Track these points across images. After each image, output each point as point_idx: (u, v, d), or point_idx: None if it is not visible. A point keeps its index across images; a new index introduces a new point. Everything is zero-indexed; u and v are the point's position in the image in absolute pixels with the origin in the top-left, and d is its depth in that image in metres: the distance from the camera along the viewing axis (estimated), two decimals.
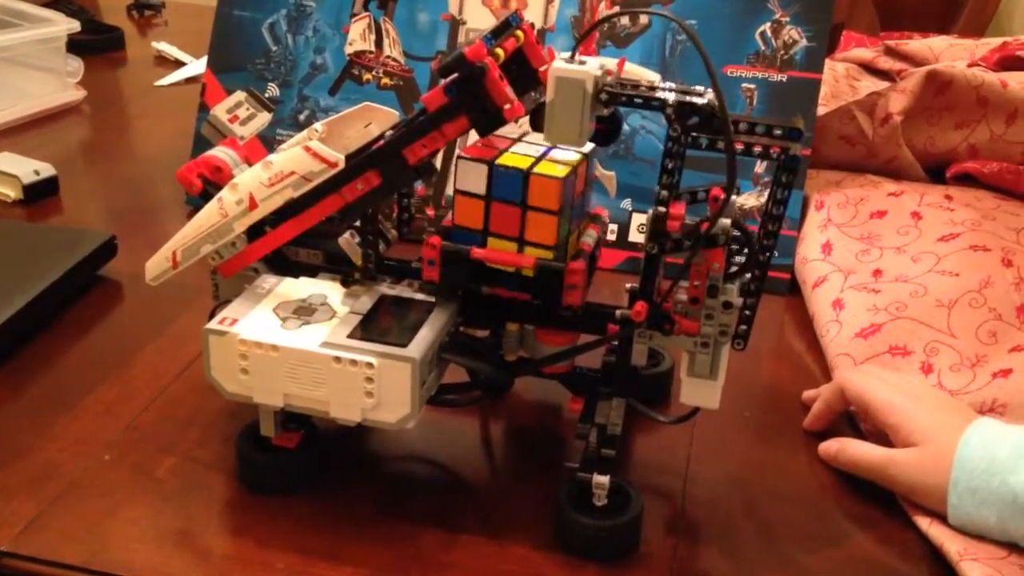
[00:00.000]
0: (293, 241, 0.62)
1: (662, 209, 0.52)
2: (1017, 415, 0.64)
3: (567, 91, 0.50)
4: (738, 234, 0.54)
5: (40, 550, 0.53)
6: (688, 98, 0.50)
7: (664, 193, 0.52)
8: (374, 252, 0.59)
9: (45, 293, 0.73)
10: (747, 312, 0.54)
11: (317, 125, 0.56)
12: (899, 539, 0.58)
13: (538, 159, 0.55)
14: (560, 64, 0.50)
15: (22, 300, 0.71)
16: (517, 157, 0.55)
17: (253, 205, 0.55)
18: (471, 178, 0.55)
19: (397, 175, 0.55)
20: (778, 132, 0.50)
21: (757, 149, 0.50)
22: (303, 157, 0.54)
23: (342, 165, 0.54)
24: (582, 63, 0.51)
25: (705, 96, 0.50)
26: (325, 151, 0.54)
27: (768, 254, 0.52)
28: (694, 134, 0.51)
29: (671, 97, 0.50)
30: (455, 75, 0.51)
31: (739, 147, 0.50)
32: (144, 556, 0.53)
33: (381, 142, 0.55)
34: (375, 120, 0.60)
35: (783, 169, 0.50)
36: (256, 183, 0.55)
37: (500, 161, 0.54)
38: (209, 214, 0.56)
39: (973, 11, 1.82)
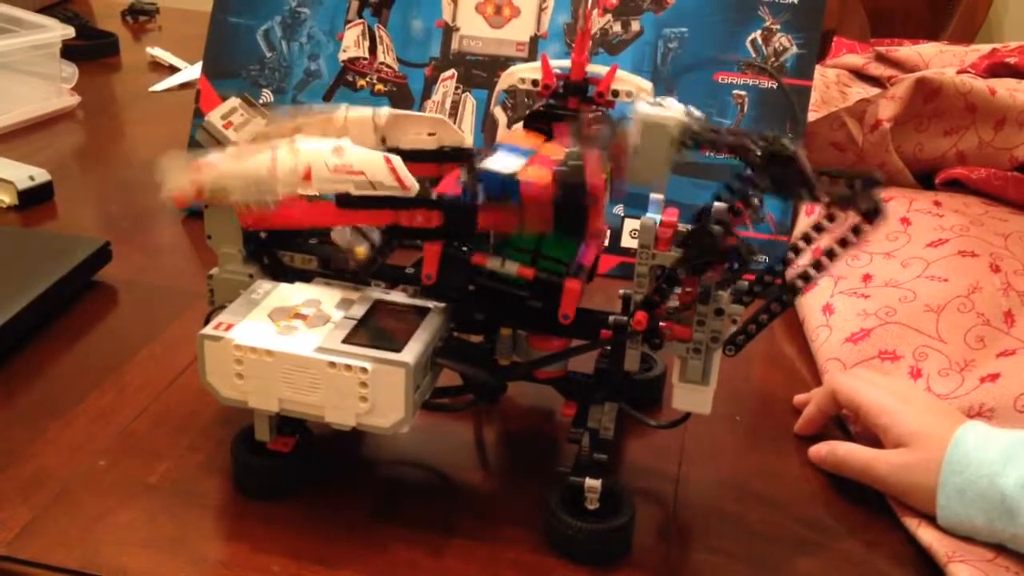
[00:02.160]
0: (287, 247, 0.62)
1: (718, 228, 0.52)
2: (1005, 419, 0.65)
3: (652, 134, 0.51)
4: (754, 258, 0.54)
5: (34, 555, 0.54)
6: (775, 148, 0.50)
7: (717, 229, 0.51)
8: (379, 255, 0.59)
9: (39, 299, 0.73)
10: (753, 325, 0.54)
11: (382, 110, 0.55)
12: (888, 542, 0.58)
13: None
14: (646, 108, 0.51)
15: (16, 306, 0.71)
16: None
17: (307, 179, 0.54)
18: None
19: (459, 229, 0.55)
20: (856, 183, 0.50)
21: (841, 203, 0.51)
22: (380, 166, 0.53)
23: (414, 192, 0.54)
24: (666, 106, 0.51)
25: (788, 145, 0.50)
26: (404, 172, 0.53)
27: (804, 283, 0.53)
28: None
29: (759, 149, 0.50)
30: (565, 192, 0.52)
31: (824, 199, 0.51)
32: (138, 561, 0.54)
33: (460, 190, 0.54)
34: (441, 133, 0.59)
35: (863, 219, 0.51)
36: (320, 162, 0.54)
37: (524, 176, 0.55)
38: (257, 164, 0.54)
39: (963, 18, 1.84)
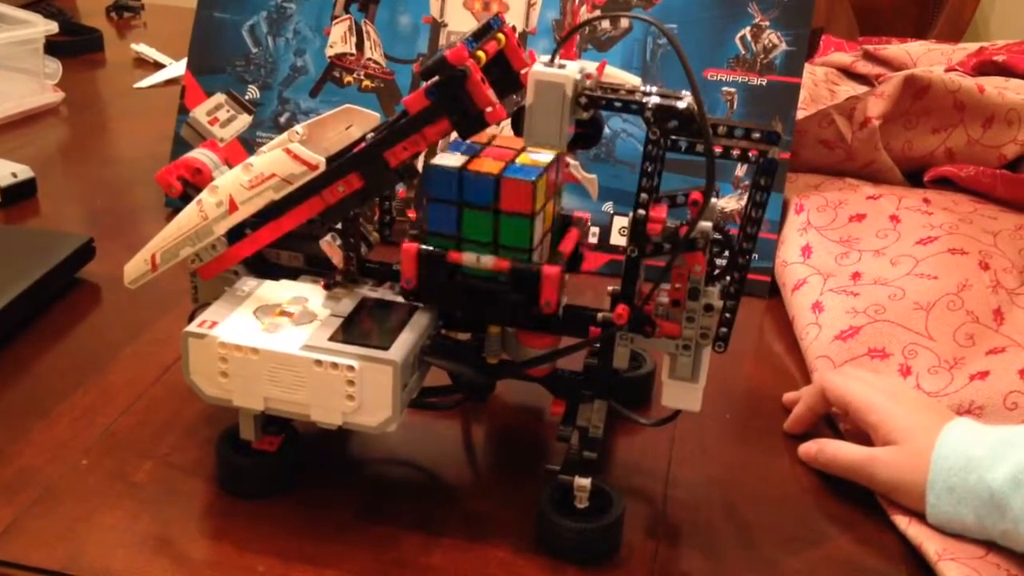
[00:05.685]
0: (274, 243, 0.62)
1: (642, 212, 0.52)
2: (994, 417, 0.65)
3: (546, 94, 0.50)
4: (719, 237, 0.54)
5: (17, 556, 0.53)
6: (667, 101, 0.50)
7: (644, 196, 0.52)
8: (355, 255, 0.59)
9: (22, 296, 0.72)
10: (727, 315, 0.54)
11: (298, 127, 0.55)
12: (879, 540, 0.58)
13: (509, 162, 0.55)
14: (540, 67, 0.51)
15: None
16: (489, 162, 0.55)
17: (233, 208, 0.55)
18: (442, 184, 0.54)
19: (378, 178, 0.55)
20: (756, 135, 0.50)
21: (735, 152, 0.50)
22: (284, 159, 0.54)
23: (323, 168, 0.54)
24: (562, 67, 0.51)
25: (684, 99, 0.50)
26: (306, 153, 0.54)
27: (747, 257, 0.53)
28: (673, 137, 0.51)
29: (650, 101, 0.50)
30: (436, 78, 0.51)
31: (718, 150, 0.50)
32: (122, 561, 0.53)
33: (362, 144, 0.55)
34: (356, 122, 0.59)
35: (761, 172, 0.50)
36: (236, 185, 0.55)
37: (471, 167, 0.54)
38: (189, 216, 0.56)
39: (950, 16, 1.84)
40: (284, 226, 0.56)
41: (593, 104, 0.51)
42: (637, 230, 0.53)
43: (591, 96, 0.51)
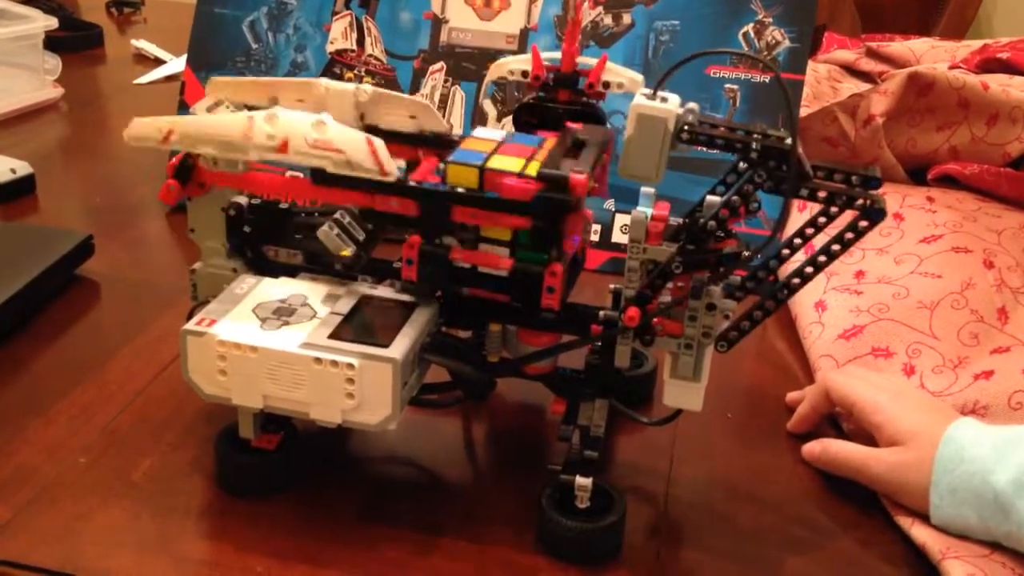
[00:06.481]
0: (272, 241, 0.61)
1: (708, 229, 0.51)
2: (999, 416, 0.64)
3: (647, 128, 0.50)
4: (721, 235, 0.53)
5: (14, 555, 0.52)
6: (771, 143, 0.49)
7: (712, 224, 0.51)
8: (363, 251, 0.58)
9: (20, 293, 0.72)
10: (746, 323, 0.53)
11: (366, 86, 0.54)
12: (882, 540, 0.58)
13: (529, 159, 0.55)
14: (642, 101, 0.50)
15: None
16: (508, 160, 0.55)
17: (283, 150, 0.52)
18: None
19: (434, 220, 0.54)
20: (855, 179, 0.50)
21: (821, 195, 0.51)
22: (361, 147, 0.52)
23: (393, 178, 0.53)
24: (664, 100, 0.50)
25: (787, 140, 0.50)
26: (385, 157, 0.52)
27: (802, 283, 0.53)
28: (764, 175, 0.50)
29: (755, 143, 0.50)
30: (550, 190, 0.51)
31: (822, 195, 0.50)
32: (120, 561, 0.53)
33: (438, 180, 0.54)
34: (421, 117, 0.58)
35: (863, 216, 0.50)
36: (299, 135, 0.52)
37: (490, 165, 0.54)
38: (231, 124, 0.52)
39: (954, 13, 1.84)
40: (317, 194, 0.54)
41: (693, 140, 0.51)
42: (694, 255, 0.52)
43: (692, 131, 0.51)
